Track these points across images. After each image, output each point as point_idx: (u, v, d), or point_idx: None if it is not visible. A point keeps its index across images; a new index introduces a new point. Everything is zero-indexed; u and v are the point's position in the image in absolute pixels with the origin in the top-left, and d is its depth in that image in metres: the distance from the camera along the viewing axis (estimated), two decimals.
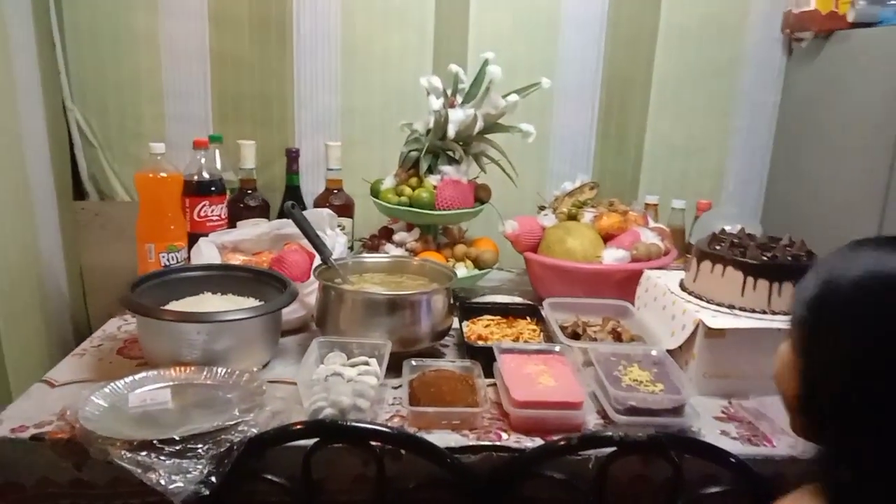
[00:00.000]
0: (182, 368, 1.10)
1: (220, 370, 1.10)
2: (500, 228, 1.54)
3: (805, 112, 1.76)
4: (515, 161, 1.56)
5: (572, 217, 1.59)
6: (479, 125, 1.42)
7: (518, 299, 1.54)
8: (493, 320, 1.37)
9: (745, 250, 1.22)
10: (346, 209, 1.68)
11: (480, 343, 1.25)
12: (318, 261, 1.32)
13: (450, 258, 1.52)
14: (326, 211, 1.52)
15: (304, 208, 1.69)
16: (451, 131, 1.43)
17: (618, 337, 1.31)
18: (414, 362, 1.15)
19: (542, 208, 1.65)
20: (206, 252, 1.41)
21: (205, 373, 1.09)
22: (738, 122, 1.87)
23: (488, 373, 1.15)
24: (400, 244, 1.50)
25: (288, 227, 1.50)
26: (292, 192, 1.70)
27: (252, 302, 1.27)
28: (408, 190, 1.49)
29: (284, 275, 1.38)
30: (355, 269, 1.36)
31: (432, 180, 1.48)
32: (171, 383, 1.07)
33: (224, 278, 1.31)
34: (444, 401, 1.06)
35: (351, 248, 1.61)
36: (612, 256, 1.49)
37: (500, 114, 1.43)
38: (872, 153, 1.45)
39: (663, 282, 1.36)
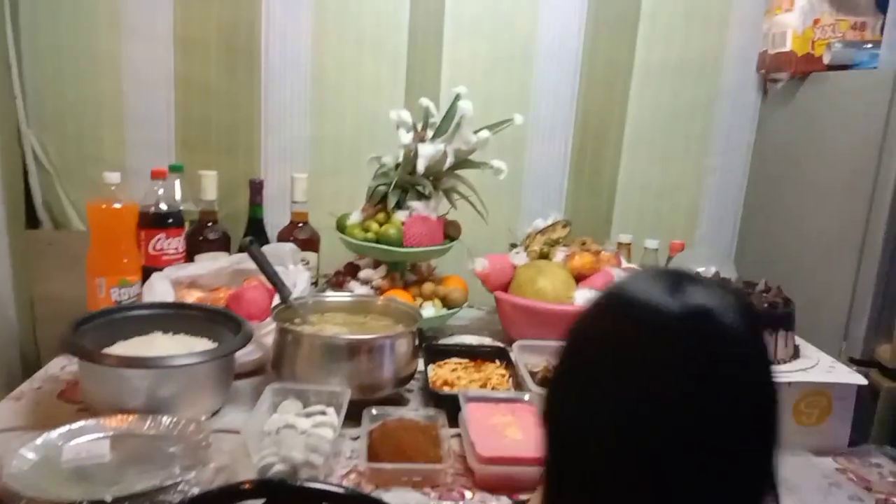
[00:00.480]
0: (124, 417, 1.02)
1: (165, 419, 1.03)
2: (469, 266, 1.49)
3: (780, 153, 1.75)
4: (487, 197, 1.51)
5: (544, 256, 1.55)
6: (450, 161, 1.37)
7: (487, 340, 1.49)
8: (460, 363, 1.31)
9: None
10: (311, 244, 1.62)
11: (446, 390, 1.19)
12: (277, 300, 1.26)
13: (417, 297, 1.46)
14: (289, 245, 1.46)
15: (267, 242, 1.63)
16: (421, 166, 1.38)
17: None
18: (374, 411, 1.09)
19: (513, 246, 1.60)
20: (159, 288, 1.34)
21: (148, 422, 1.02)
22: (713, 161, 1.85)
23: (454, 421, 1.09)
24: (366, 282, 1.45)
25: (248, 261, 1.43)
26: (255, 224, 1.64)
27: (205, 343, 1.21)
28: (375, 226, 1.43)
29: (240, 315, 1.32)
30: (316, 308, 1.30)
31: (400, 216, 1.43)
32: (110, 433, 0.99)
33: (176, 317, 1.24)
34: (404, 455, 0.99)
35: (315, 284, 1.55)
36: (584, 297, 1.44)
37: (472, 150, 1.38)
38: (849, 195, 1.42)
39: None
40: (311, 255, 1.62)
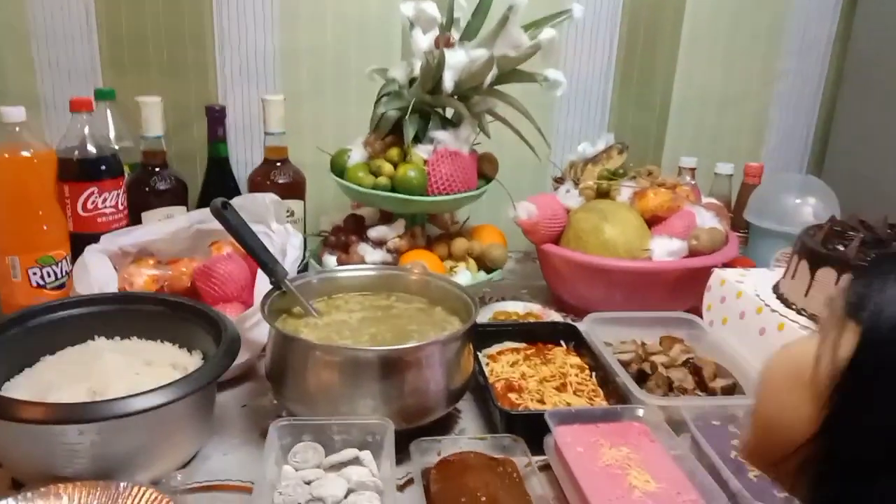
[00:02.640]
0: (61, 488, 0.67)
1: (120, 486, 0.67)
2: (510, 214, 1.13)
3: (871, 50, 1.40)
4: (509, 115, 1.13)
5: (603, 194, 1.20)
6: (494, 72, 0.98)
7: (536, 307, 1.15)
8: (517, 350, 0.98)
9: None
10: (294, 188, 1.24)
11: (521, 408, 0.85)
12: (263, 280, 0.89)
13: (445, 258, 1.10)
14: (269, 196, 1.08)
15: (236, 190, 1.25)
16: (449, 81, 0.99)
17: (697, 373, 0.94)
18: (425, 443, 0.75)
19: (558, 181, 1.25)
20: (96, 268, 0.96)
21: (97, 493, 0.67)
22: (785, 63, 1.49)
23: (535, 446, 0.77)
24: (379, 243, 1.08)
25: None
26: (217, 167, 1.24)
27: (168, 352, 0.85)
28: (387, 167, 1.05)
29: (213, 299, 0.96)
30: (322, 289, 0.93)
31: (421, 152, 1.05)
32: None
33: (123, 315, 0.88)
34: None
35: (305, 246, 1.17)
36: (665, 249, 1.11)
37: (524, 56, 0.99)
38: None
39: (748, 288, 0.99)
40: (295, 205, 1.24)
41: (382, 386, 0.76)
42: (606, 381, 0.91)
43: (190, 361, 0.84)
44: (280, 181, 1.22)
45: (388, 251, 1.06)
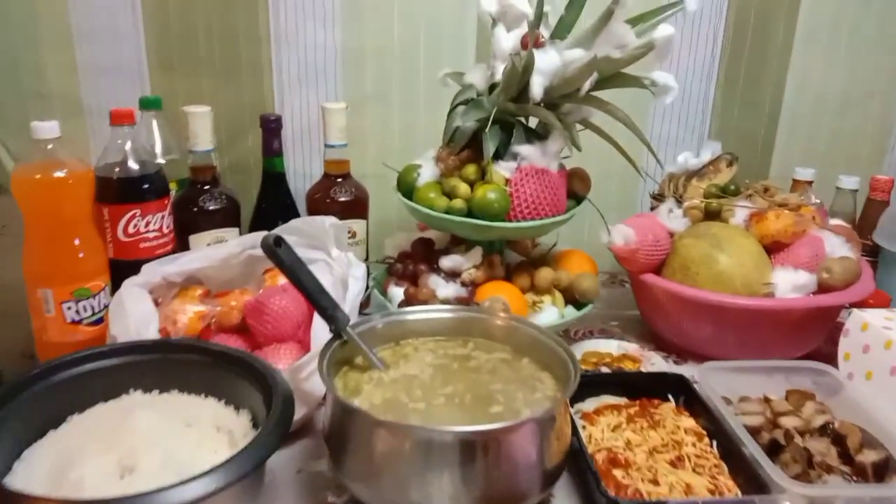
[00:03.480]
0: None
1: None
2: (604, 239, 0.98)
3: None
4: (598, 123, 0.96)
5: (712, 215, 1.03)
6: (593, 78, 0.83)
7: (632, 346, 1.00)
8: (617, 408, 0.83)
9: None
10: (356, 207, 1.11)
11: (634, 496, 0.69)
12: (321, 324, 0.76)
13: (527, 290, 0.95)
14: (330, 220, 0.95)
15: (294, 212, 1.13)
16: (538, 87, 0.84)
17: (838, 441, 0.77)
18: None
19: (657, 198, 1.08)
20: (133, 306, 0.84)
21: None
22: None
23: None
24: (453, 274, 0.94)
25: None
26: (273, 183, 1.12)
27: (211, 410, 0.73)
28: (463, 188, 0.91)
29: (263, 343, 0.84)
30: (389, 333, 0.80)
31: (502, 169, 0.90)
32: None
33: (162, 365, 0.76)
34: None
35: (368, 273, 1.03)
36: (790, 284, 0.94)
37: (630, 58, 0.83)
38: None
39: None
40: (357, 225, 1.12)
41: (463, 471, 0.61)
42: (731, 453, 0.75)
43: (237, 423, 0.72)
44: (341, 199, 1.10)
45: (463, 284, 0.92)
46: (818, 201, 1.08)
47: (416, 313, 0.81)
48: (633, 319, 1.12)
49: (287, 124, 1.17)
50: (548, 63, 0.84)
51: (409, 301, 0.92)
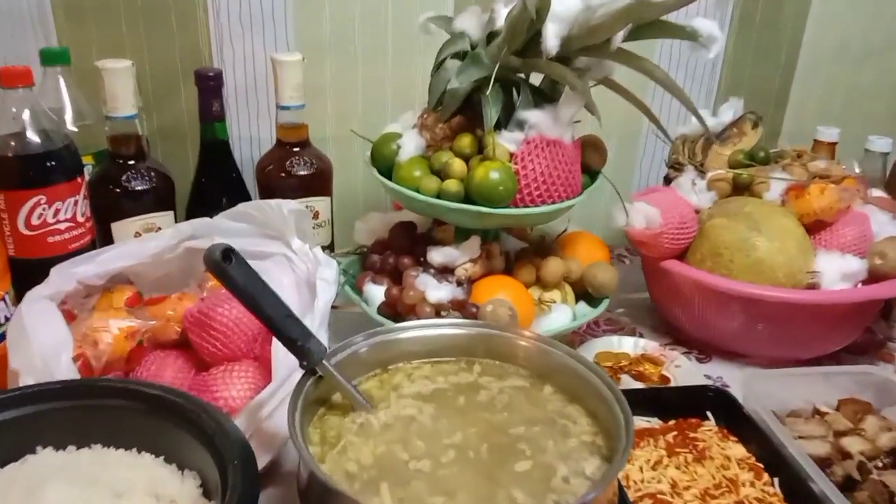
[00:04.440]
0: None
1: None
2: (620, 222, 0.82)
3: None
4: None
5: (742, 188, 0.88)
6: (628, 27, 0.64)
7: (652, 346, 0.85)
8: (652, 433, 0.68)
9: None
10: (318, 182, 0.93)
11: None
12: (284, 354, 0.58)
13: (531, 285, 0.79)
14: (289, 205, 0.76)
15: (244, 193, 0.93)
16: (552, 39, 0.66)
17: None
18: None
19: (676, 168, 0.92)
20: (39, 329, 0.65)
21: None
22: None
23: None
24: (445, 269, 0.76)
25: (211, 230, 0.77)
26: (214, 154, 0.93)
27: (147, 471, 0.55)
28: (458, 165, 0.73)
29: (219, 368, 0.67)
30: (375, 359, 0.63)
31: (506, 142, 0.73)
32: None
33: (79, 414, 0.58)
34: None
35: (343, 271, 0.85)
36: (838, 271, 0.80)
37: (667, 6, 0.65)
38: None
39: None
40: (321, 204, 0.93)
41: None
42: (796, 492, 0.62)
43: (181, 491, 0.54)
44: (300, 172, 0.91)
45: (458, 283, 0.75)
46: (859, 171, 0.94)
47: (407, 330, 0.64)
48: (642, 305, 0.97)
49: (229, 80, 0.96)
50: (566, 7, 0.66)
51: (392, 305, 0.75)
